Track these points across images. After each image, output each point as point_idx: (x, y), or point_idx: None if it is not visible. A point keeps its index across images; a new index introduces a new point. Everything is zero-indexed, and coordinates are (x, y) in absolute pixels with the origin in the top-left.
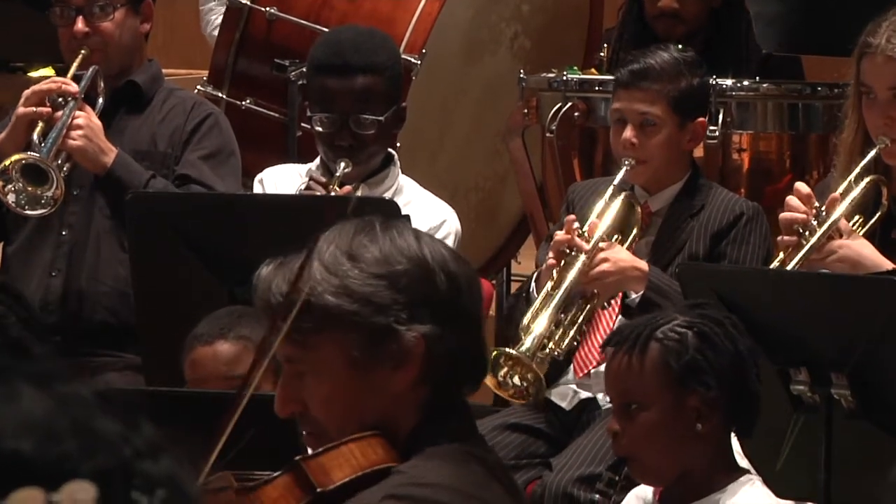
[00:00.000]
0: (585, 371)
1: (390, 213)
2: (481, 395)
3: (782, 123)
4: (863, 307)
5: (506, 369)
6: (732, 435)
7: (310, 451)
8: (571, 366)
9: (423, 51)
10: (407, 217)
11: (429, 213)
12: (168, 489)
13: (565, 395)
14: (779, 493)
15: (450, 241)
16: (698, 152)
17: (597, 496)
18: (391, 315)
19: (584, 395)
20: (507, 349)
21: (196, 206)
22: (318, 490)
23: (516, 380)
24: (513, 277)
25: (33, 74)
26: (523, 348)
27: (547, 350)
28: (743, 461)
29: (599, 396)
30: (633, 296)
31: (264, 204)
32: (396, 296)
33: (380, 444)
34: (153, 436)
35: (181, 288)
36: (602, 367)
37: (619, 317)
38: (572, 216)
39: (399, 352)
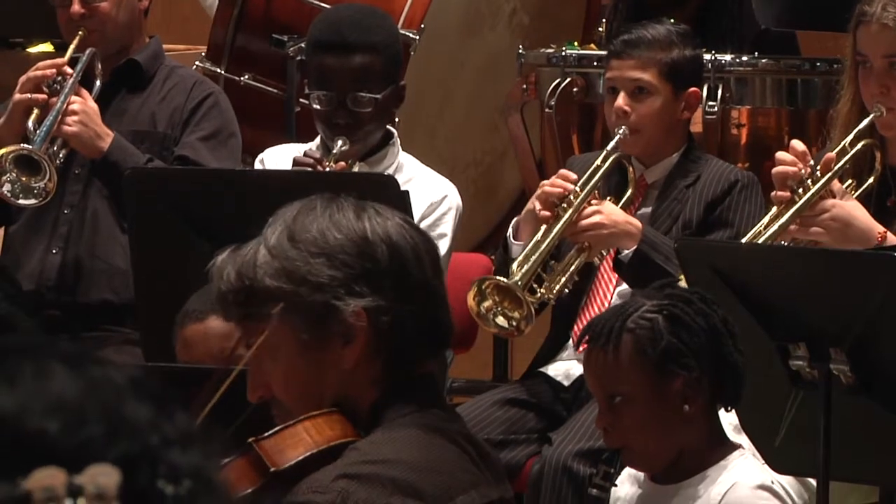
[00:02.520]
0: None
1: (390, 189)
2: (480, 370)
3: (781, 99)
4: (862, 283)
5: (490, 302)
6: (727, 409)
7: None
8: (569, 342)
9: (422, 26)
10: (406, 193)
11: (429, 190)
12: (195, 480)
13: (564, 371)
14: (778, 469)
15: (449, 217)
16: (697, 127)
17: (594, 490)
18: (329, 292)
19: (582, 370)
20: (497, 278)
21: (194, 182)
22: (272, 470)
23: (500, 320)
24: None
25: (32, 50)
26: (514, 279)
27: (538, 294)
28: (740, 437)
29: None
30: (626, 251)
31: (263, 180)
32: (334, 272)
33: (337, 420)
34: (185, 425)
35: (179, 264)
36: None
37: (616, 290)
38: (564, 170)
39: (344, 327)
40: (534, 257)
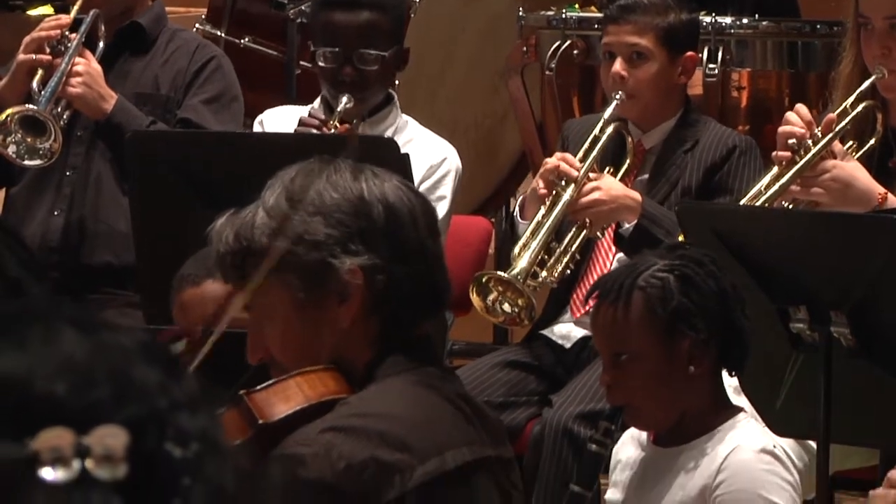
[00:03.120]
0: (583, 311)
1: (390, 151)
2: (481, 332)
3: (781, 61)
4: (863, 246)
5: (495, 294)
6: (731, 374)
7: None
8: (569, 306)
9: None
10: (406, 156)
11: (429, 152)
12: (203, 443)
13: (564, 333)
14: (778, 432)
15: (449, 179)
16: (697, 90)
17: (594, 446)
18: (325, 250)
19: (583, 333)
20: (497, 272)
21: (196, 145)
22: (261, 423)
23: (506, 307)
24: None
25: (32, 13)
26: (514, 272)
27: (540, 278)
28: (740, 399)
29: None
30: (627, 225)
31: (265, 143)
32: (329, 231)
33: (331, 377)
34: (192, 390)
35: (180, 227)
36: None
37: (616, 256)
38: (561, 153)
39: (339, 286)
40: (535, 242)
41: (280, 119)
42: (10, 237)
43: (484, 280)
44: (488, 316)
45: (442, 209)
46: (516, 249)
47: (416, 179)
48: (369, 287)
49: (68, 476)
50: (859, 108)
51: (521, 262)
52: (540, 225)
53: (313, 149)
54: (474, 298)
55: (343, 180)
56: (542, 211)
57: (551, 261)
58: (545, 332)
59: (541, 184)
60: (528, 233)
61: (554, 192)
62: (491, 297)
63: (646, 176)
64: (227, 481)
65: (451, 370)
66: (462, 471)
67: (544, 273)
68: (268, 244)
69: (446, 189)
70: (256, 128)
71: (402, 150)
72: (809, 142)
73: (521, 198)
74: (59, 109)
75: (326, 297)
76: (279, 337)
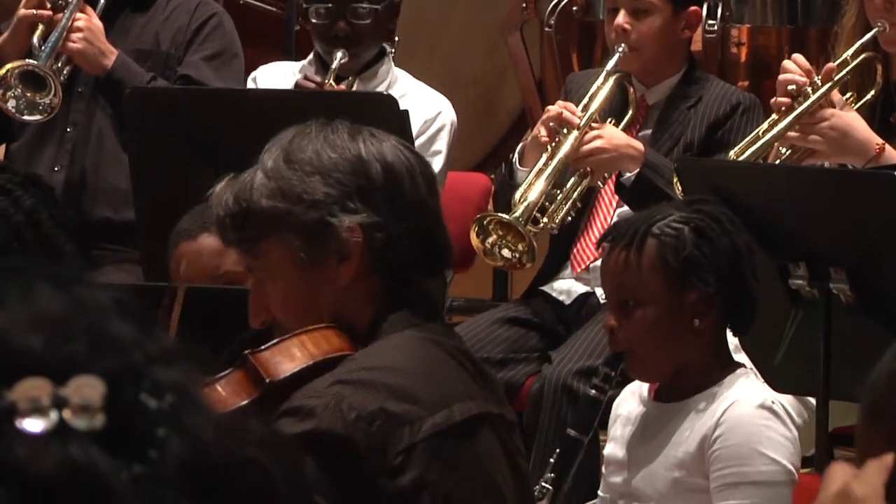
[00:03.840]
0: (584, 266)
1: (389, 108)
2: (480, 289)
3: (781, 17)
4: (863, 202)
5: (494, 237)
6: (735, 334)
7: None
8: (569, 261)
9: None
10: (405, 113)
11: (423, 105)
12: (178, 395)
13: (564, 289)
14: (777, 388)
15: (444, 133)
16: (696, 46)
17: (592, 391)
18: (324, 209)
19: (583, 289)
20: (499, 214)
21: (195, 102)
22: (268, 381)
23: (505, 252)
24: None
25: None
26: (515, 214)
27: (541, 224)
28: (739, 355)
29: (598, 291)
30: (628, 174)
31: (264, 99)
32: (328, 189)
33: (335, 334)
34: (166, 343)
35: (179, 182)
36: (599, 262)
37: (617, 211)
38: (563, 101)
39: (339, 245)
40: (536, 188)
41: (272, 75)
42: (46, 196)
43: (485, 222)
44: (486, 258)
45: (437, 164)
46: (517, 195)
47: (413, 135)
48: (369, 245)
49: (46, 426)
50: (860, 58)
51: (523, 206)
52: (541, 171)
53: (313, 105)
54: (474, 240)
55: (341, 140)
56: (544, 158)
57: (552, 207)
58: (545, 288)
59: (542, 131)
60: (529, 178)
61: (556, 140)
62: (491, 240)
63: (648, 131)
64: (203, 432)
65: (452, 327)
66: (468, 423)
67: (545, 219)
68: (267, 206)
69: (442, 143)
70: (250, 84)
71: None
72: (809, 89)
73: (521, 144)
74: (60, 65)
75: (327, 256)
76: (281, 297)
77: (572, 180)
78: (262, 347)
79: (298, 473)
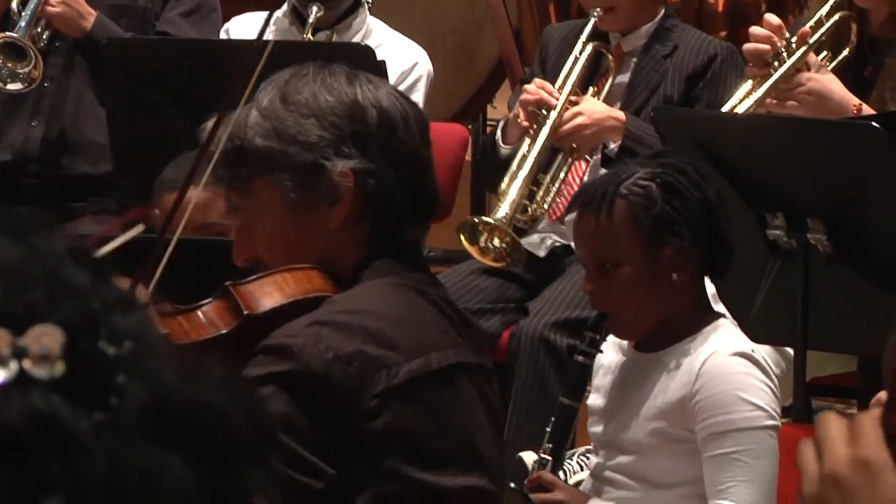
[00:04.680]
0: (559, 216)
1: (366, 59)
2: (457, 240)
3: None
4: (841, 153)
5: (485, 235)
6: (713, 280)
7: None
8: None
9: None
10: (382, 63)
11: (400, 56)
12: (136, 342)
13: (539, 242)
14: (755, 339)
15: (421, 84)
16: None
17: (580, 357)
18: (317, 151)
19: (559, 241)
20: (483, 217)
21: (172, 53)
22: (246, 314)
23: (496, 241)
24: (489, 122)
25: None
26: (498, 215)
27: (529, 211)
28: (718, 306)
29: (572, 243)
30: (612, 146)
31: (241, 50)
32: (323, 133)
33: (318, 275)
34: (123, 291)
35: (157, 134)
36: (574, 214)
37: (591, 161)
38: (540, 80)
39: (331, 188)
40: (518, 179)
41: (245, 27)
42: None
43: (470, 225)
44: (483, 258)
45: None
46: (503, 185)
47: None
48: (360, 190)
49: (7, 376)
50: (834, 18)
51: (506, 204)
52: (524, 158)
53: (291, 57)
54: (464, 244)
55: (338, 84)
56: (526, 144)
57: (540, 192)
58: (521, 239)
59: (522, 114)
60: (512, 169)
61: (535, 122)
62: (482, 239)
63: (625, 79)
64: (163, 377)
65: (435, 276)
66: (446, 372)
67: (534, 205)
68: (261, 145)
69: (419, 94)
70: (222, 36)
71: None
72: (784, 53)
73: (502, 120)
74: (39, 29)
75: (317, 199)
76: (268, 237)
77: (558, 161)
78: (245, 280)
79: (260, 415)
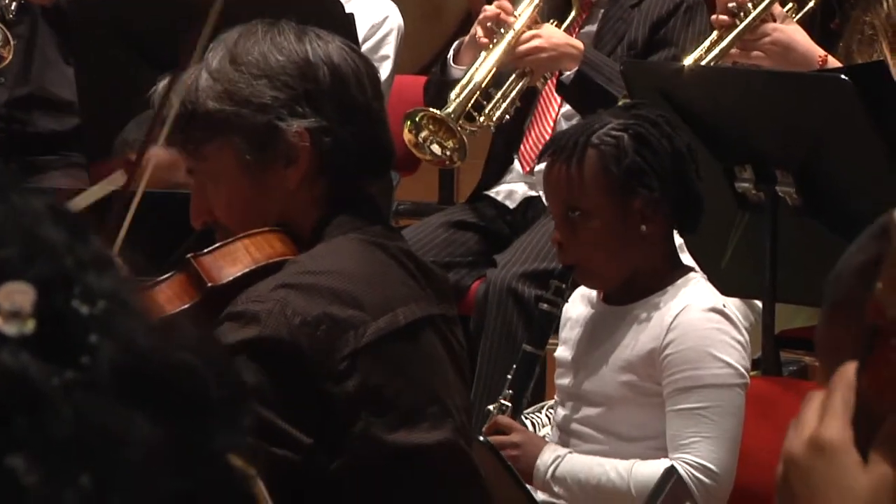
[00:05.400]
0: (531, 166)
1: (334, 11)
2: (426, 192)
3: None
4: (809, 106)
5: (426, 132)
6: (682, 234)
7: None
8: (515, 163)
9: None
10: (351, 16)
11: (369, 10)
12: (110, 301)
13: (509, 193)
14: (724, 291)
15: (392, 38)
16: None
17: (545, 305)
18: (272, 112)
19: (529, 193)
20: (431, 109)
21: (140, 5)
22: (210, 286)
23: (435, 147)
24: None
25: None
26: (448, 110)
27: (478, 122)
28: (687, 259)
29: (542, 194)
30: (568, 73)
31: (207, 3)
32: (276, 93)
33: (278, 238)
34: (99, 250)
35: (125, 88)
36: (544, 165)
37: (560, 112)
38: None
39: (286, 148)
40: (470, 86)
41: None
42: None
43: (418, 117)
44: (416, 152)
45: (385, 69)
46: (452, 94)
47: (359, 39)
48: (316, 149)
49: None
50: None
51: (455, 102)
52: (477, 70)
53: (258, 8)
54: (406, 134)
55: (287, 42)
56: (482, 56)
57: (490, 106)
58: (490, 192)
59: (480, 31)
60: (465, 78)
61: (494, 40)
62: (423, 135)
63: (593, 28)
64: (136, 337)
65: (396, 229)
66: (412, 327)
67: (482, 118)
68: (214, 108)
69: (389, 49)
70: None
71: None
72: (749, 4)
73: (456, 42)
74: (7, 1)
75: (273, 160)
76: (225, 200)
77: (511, 79)
78: (205, 251)
79: (232, 377)
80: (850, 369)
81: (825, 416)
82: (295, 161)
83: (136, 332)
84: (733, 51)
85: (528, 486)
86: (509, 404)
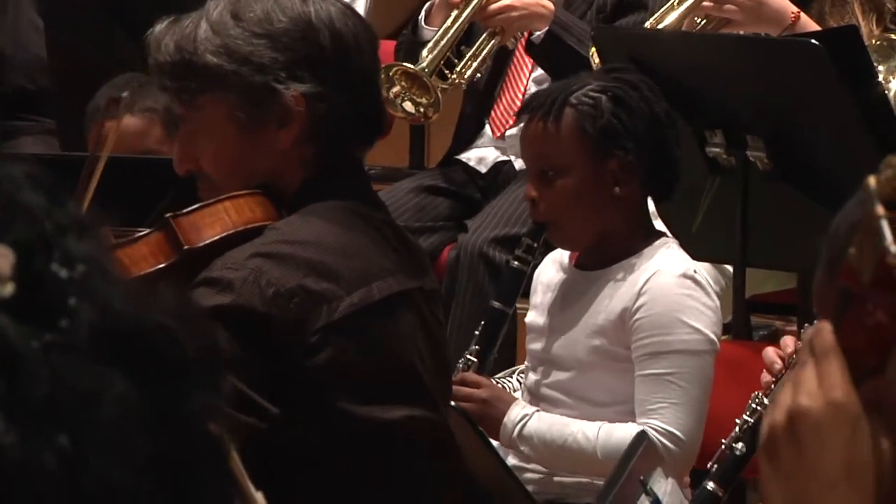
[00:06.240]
0: (502, 131)
1: None
2: (397, 157)
3: None
4: (780, 70)
5: (399, 88)
6: (656, 201)
7: None
8: (486, 127)
9: None
10: None
11: None
12: (89, 265)
13: (480, 157)
14: (696, 256)
15: (361, 1)
16: None
17: (515, 262)
18: (270, 74)
19: (500, 157)
20: (404, 64)
21: None
22: (186, 248)
23: (408, 105)
24: None
25: None
26: (421, 65)
27: (449, 79)
28: (659, 224)
29: (514, 159)
30: (538, 33)
31: None
32: (276, 55)
33: (259, 202)
34: (78, 215)
35: (97, 52)
36: (517, 130)
37: (532, 76)
38: None
39: (281, 110)
40: (442, 42)
41: None
42: None
43: (391, 72)
44: (388, 108)
45: None
46: (424, 51)
47: None
48: (310, 114)
49: None
50: None
51: (429, 58)
52: (448, 28)
53: None
54: None
55: (290, 2)
56: (453, 15)
57: (461, 64)
58: (461, 156)
59: None
60: (436, 35)
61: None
62: (395, 90)
63: None
64: (114, 300)
65: (380, 199)
66: (387, 302)
67: (454, 75)
68: (212, 62)
69: (360, 7)
70: None
71: None
72: None
73: (427, 3)
74: None
75: (266, 120)
76: (213, 152)
77: (482, 38)
78: (185, 211)
79: (210, 341)
80: (827, 331)
81: (798, 384)
82: (288, 124)
83: (115, 295)
84: (705, 3)
85: (500, 454)
86: (475, 360)
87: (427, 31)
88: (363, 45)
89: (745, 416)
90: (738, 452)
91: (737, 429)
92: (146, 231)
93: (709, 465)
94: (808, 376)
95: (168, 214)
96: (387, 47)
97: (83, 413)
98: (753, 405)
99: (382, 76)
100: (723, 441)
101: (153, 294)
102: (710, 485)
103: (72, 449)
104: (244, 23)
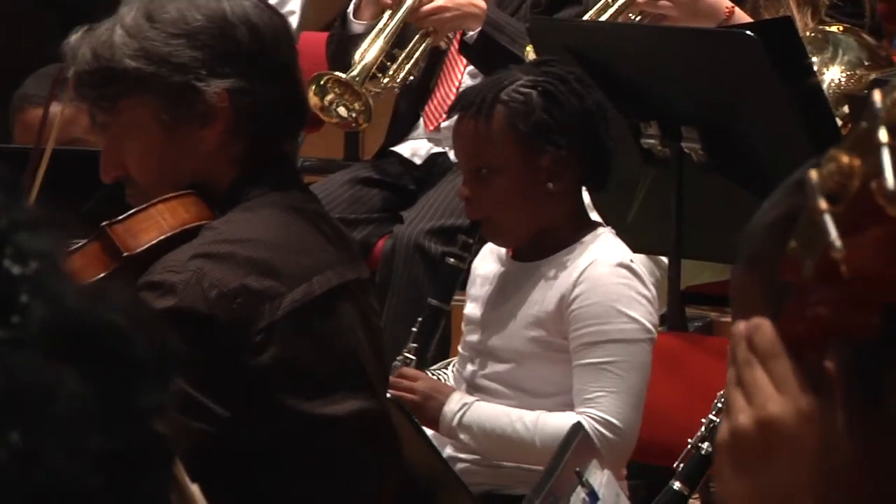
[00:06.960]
0: (435, 125)
1: None
2: (332, 149)
3: None
4: (716, 62)
5: (332, 95)
6: (584, 190)
7: None
8: (421, 120)
9: None
10: None
11: None
12: (42, 262)
13: (416, 149)
14: (631, 247)
15: None
16: None
17: (451, 260)
18: (190, 73)
19: (434, 149)
20: (336, 73)
21: None
22: (125, 254)
23: (342, 110)
24: None
25: None
26: (352, 73)
27: (382, 83)
28: (594, 215)
29: (449, 151)
30: (471, 33)
31: None
32: (195, 53)
33: (193, 202)
34: (32, 211)
35: (23, 40)
36: (451, 122)
37: (466, 70)
38: None
39: (204, 109)
40: (374, 47)
41: None
42: None
43: (323, 81)
44: (323, 116)
45: (292, 24)
46: (357, 54)
47: None
48: (234, 109)
49: None
50: None
51: (360, 65)
52: (381, 30)
53: None
54: (312, 98)
55: (204, 0)
56: (386, 16)
57: (394, 67)
58: (396, 148)
59: None
60: (368, 39)
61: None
62: (328, 98)
63: None
64: (66, 298)
65: (311, 191)
66: (328, 296)
67: (386, 79)
68: (131, 66)
69: (295, 3)
70: None
71: None
72: None
73: None
74: None
75: (189, 120)
76: (138, 156)
77: (415, 39)
78: (119, 218)
79: (160, 340)
80: (768, 328)
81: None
82: (213, 121)
83: (67, 292)
84: None
85: (434, 444)
86: (414, 357)
87: (356, 24)
88: (280, 37)
89: (710, 416)
90: (703, 452)
91: (703, 428)
92: (82, 242)
93: (675, 465)
94: (759, 379)
95: (103, 223)
96: (321, 39)
97: (35, 409)
98: (720, 404)
99: (315, 86)
100: (689, 440)
101: (105, 293)
102: (677, 484)
103: (24, 444)
104: (160, 24)
